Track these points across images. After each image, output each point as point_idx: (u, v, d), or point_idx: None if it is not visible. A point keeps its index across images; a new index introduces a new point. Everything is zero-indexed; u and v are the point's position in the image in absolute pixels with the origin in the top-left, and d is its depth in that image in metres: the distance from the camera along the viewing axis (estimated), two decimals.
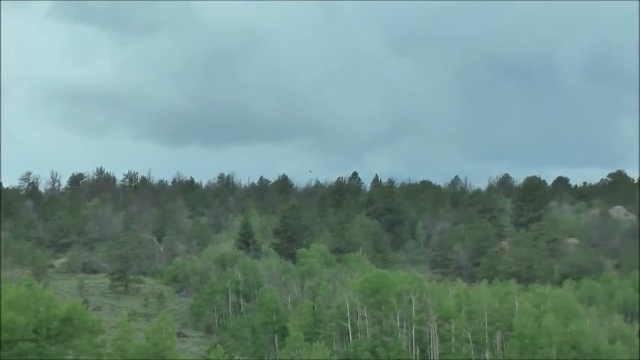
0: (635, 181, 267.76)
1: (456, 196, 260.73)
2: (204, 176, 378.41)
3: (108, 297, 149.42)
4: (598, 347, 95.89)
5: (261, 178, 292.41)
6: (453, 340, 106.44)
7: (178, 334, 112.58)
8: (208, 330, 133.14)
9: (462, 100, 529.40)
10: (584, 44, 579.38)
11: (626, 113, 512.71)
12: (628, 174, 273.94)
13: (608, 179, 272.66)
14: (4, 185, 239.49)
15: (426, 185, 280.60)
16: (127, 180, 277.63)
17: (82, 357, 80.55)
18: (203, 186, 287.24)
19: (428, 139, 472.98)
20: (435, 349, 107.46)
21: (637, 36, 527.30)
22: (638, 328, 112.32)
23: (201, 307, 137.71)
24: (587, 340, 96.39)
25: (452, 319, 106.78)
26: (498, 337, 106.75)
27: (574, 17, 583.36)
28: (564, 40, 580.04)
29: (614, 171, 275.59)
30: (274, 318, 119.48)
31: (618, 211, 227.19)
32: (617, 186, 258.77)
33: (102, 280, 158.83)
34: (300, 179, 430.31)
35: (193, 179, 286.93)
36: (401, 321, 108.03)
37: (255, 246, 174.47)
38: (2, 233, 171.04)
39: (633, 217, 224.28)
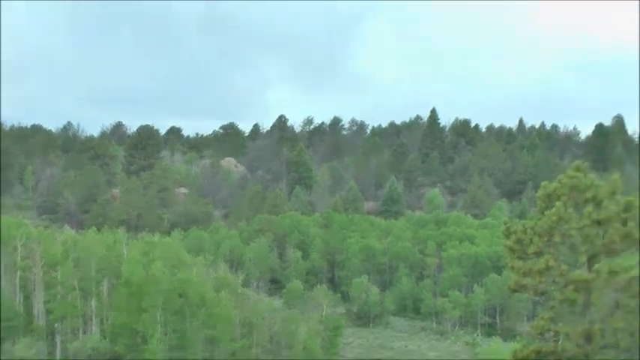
0: (247, 134, 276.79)
1: (67, 141, 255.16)
2: None
3: None
4: (204, 295, 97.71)
5: None
6: (59, 287, 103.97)
7: None
8: None
9: (77, 44, 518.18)
10: None
11: (240, 67, 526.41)
12: (240, 127, 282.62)
13: (220, 131, 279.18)
14: None
15: (36, 129, 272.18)
16: None
17: None
18: None
19: (40, 82, 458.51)
20: (39, 296, 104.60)
21: None
22: (242, 278, 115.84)
23: None
24: (193, 287, 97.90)
25: (58, 266, 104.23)
26: (106, 284, 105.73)
27: None
28: None
29: (227, 123, 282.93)
30: None
31: (229, 163, 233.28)
32: (228, 138, 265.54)
33: None
34: None
35: None
36: (5, 267, 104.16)
37: None
38: None
39: (243, 168, 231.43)
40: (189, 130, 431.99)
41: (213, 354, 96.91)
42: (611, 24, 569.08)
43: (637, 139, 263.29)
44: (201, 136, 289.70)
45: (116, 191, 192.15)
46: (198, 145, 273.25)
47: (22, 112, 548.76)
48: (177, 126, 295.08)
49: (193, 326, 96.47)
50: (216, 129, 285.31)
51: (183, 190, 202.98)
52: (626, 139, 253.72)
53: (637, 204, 26.91)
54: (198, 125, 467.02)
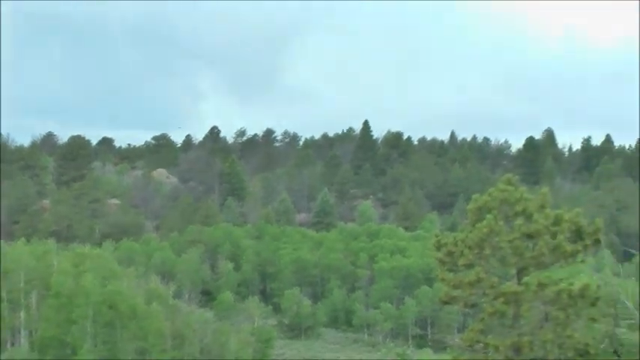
0: (179, 145, 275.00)
1: None
2: None
3: None
4: (134, 307, 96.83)
5: None
6: None
7: None
8: None
9: (4, 54, 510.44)
10: (134, 6, 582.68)
11: (173, 77, 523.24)
12: (172, 138, 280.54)
13: (153, 142, 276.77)
14: None
15: None
16: None
17: None
18: None
19: None
20: None
21: None
22: (173, 289, 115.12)
23: None
24: (124, 299, 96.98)
25: None
26: (35, 296, 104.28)
27: None
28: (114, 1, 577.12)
29: (159, 134, 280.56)
30: None
31: (160, 174, 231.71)
32: (160, 149, 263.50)
33: None
34: None
35: None
36: None
37: None
38: None
39: (175, 180, 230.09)
40: (120, 140, 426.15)
41: None
42: (540, 38, 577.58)
43: (567, 153, 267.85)
44: (133, 147, 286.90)
45: (46, 202, 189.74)
46: (130, 155, 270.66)
47: None
48: (109, 136, 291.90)
49: (124, 338, 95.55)
50: (148, 140, 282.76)
51: (114, 201, 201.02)
52: (556, 153, 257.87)
53: (566, 217, 27.33)
54: (130, 136, 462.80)
